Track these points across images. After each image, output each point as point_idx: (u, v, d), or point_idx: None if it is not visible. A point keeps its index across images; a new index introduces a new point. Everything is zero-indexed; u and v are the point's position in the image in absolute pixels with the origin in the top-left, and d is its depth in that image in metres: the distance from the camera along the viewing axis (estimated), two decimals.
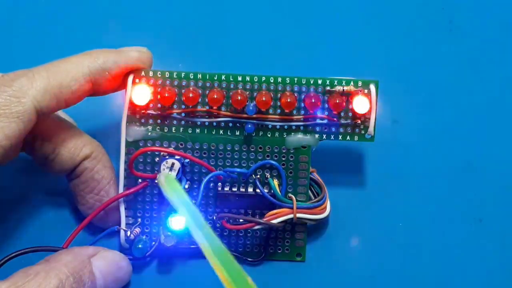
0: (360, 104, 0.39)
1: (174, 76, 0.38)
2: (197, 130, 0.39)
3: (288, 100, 0.38)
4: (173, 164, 0.38)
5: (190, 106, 0.39)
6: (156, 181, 0.37)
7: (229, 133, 0.39)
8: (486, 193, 0.42)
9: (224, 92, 0.39)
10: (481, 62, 0.44)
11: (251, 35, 0.44)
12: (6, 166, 0.36)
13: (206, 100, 0.38)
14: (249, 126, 0.39)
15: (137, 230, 0.40)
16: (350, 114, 0.39)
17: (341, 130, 0.39)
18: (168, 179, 0.35)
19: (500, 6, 0.45)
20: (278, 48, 0.44)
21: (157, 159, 0.39)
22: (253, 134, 0.39)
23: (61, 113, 0.40)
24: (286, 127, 0.39)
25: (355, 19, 0.45)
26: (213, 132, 0.39)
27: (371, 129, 0.39)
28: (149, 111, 0.39)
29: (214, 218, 0.40)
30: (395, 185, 0.42)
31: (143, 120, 0.39)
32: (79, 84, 0.35)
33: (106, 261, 0.35)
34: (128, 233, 0.39)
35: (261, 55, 0.44)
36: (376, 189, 0.42)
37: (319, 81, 0.39)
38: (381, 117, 0.41)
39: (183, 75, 0.38)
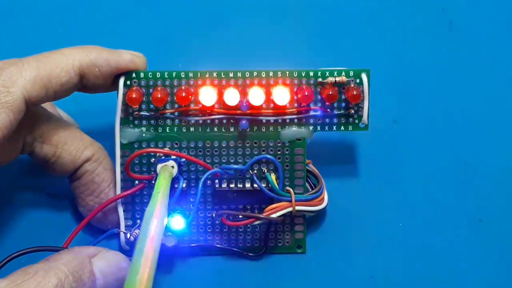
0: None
1: (166, 76, 0.39)
2: (192, 129, 0.39)
3: (281, 94, 0.38)
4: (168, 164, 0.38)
5: (183, 106, 0.39)
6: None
7: (223, 130, 0.39)
8: (486, 193, 0.42)
9: (217, 89, 0.39)
10: (481, 62, 0.44)
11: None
12: (6, 166, 0.37)
13: (199, 98, 0.38)
14: (244, 122, 0.39)
15: (137, 231, 0.39)
16: (343, 104, 0.39)
17: (335, 120, 0.39)
18: (162, 172, 0.35)
19: (500, 7, 0.45)
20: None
21: (153, 159, 0.39)
22: (248, 130, 0.39)
23: (62, 114, 0.40)
24: (280, 120, 0.39)
25: (355, 20, 0.45)
26: (208, 130, 0.39)
27: (365, 118, 0.39)
28: (142, 113, 0.39)
29: (214, 215, 0.40)
30: (395, 186, 0.42)
31: (136, 122, 0.39)
32: (69, 76, 0.35)
33: (107, 261, 0.35)
34: (128, 235, 0.39)
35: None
36: (375, 189, 0.42)
37: (311, 73, 0.39)
38: (381, 117, 0.42)
39: (174, 75, 0.39)
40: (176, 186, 0.38)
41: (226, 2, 0.45)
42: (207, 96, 0.38)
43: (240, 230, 0.41)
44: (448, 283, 0.41)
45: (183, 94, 0.38)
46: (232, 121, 0.39)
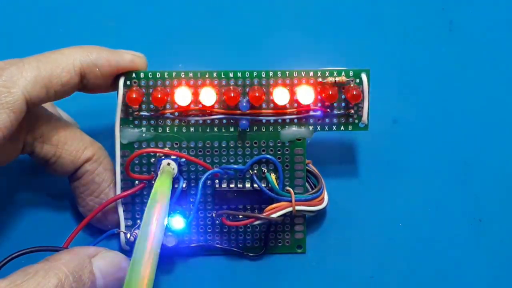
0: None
1: (166, 76, 0.39)
2: (191, 129, 0.39)
3: (281, 94, 0.38)
4: (169, 164, 0.38)
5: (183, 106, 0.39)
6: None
7: (223, 130, 0.39)
8: (486, 193, 0.42)
9: (217, 90, 0.39)
10: (481, 62, 0.44)
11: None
12: (6, 166, 0.37)
13: (199, 98, 0.38)
14: (244, 122, 0.39)
15: (137, 231, 0.39)
16: (343, 104, 0.39)
17: (335, 120, 0.39)
18: (162, 172, 0.35)
19: (500, 7, 0.45)
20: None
21: (153, 160, 0.39)
22: (248, 130, 0.39)
23: (63, 114, 0.40)
24: (280, 120, 0.39)
25: (355, 20, 0.45)
26: (208, 130, 0.39)
27: (364, 118, 0.39)
28: (142, 113, 0.39)
29: (214, 215, 0.40)
30: (395, 186, 0.42)
31: (136, 122, 0.39)
32: (70, 76, 0.35)
33: (107, 261, 0.35)
34: (128, 235, 0.39)
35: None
36: (375, 189, 0.42)
37: (311, 73, 0.39)
38: (381, 117, 0.41)
39: (174, 75, 0.39)
40: (176, 186, 0.38)
41: (226, 2, 0.45)
42: (207, 96, 0.38)
43: (240, 230, 0.41)
44: (448, 283, 0.41)
45: (182, 95, 0.38)
46: (232, 121, 0.39)
